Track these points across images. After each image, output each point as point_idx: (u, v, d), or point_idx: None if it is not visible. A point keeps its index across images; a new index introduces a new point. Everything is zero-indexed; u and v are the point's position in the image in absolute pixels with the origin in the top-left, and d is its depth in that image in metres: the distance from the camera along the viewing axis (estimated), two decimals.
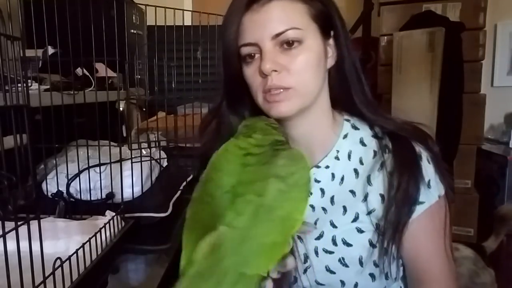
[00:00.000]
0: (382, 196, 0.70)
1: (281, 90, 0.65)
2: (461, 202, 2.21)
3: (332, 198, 0.72)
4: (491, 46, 2.62)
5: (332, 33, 0.70)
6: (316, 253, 0.72)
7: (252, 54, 0.66)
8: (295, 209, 0.45)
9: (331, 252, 0.71)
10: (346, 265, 0.70)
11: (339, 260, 0.70)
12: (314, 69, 0.67)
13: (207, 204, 0.46)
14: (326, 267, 0.71)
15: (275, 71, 0.64)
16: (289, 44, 0.64)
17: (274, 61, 0.64)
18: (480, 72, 2.25)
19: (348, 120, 0.75)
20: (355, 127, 0.75)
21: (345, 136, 0.74)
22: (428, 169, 0.70)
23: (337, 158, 0.73)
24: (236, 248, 0.41)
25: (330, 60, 0.71)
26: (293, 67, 0.65)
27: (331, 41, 0.71)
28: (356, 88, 0.73)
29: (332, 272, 0.71)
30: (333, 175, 0.73)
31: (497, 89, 2.65)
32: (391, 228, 0.68)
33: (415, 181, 0.68)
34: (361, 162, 0.72)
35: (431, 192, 0.69)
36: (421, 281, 0.72)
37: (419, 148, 0.71)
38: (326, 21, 0.68)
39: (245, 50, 0.67)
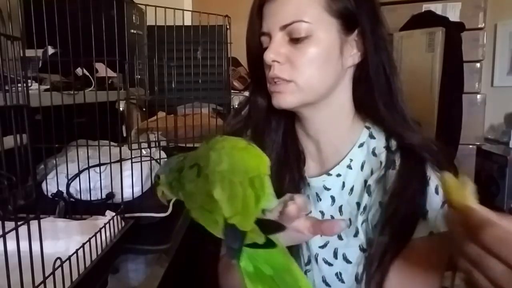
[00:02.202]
0: (377, 211, 0.65)
1: (281, 81, 0.64)
2: None
3: (340, 208, 0.70)
4: (491, 46, 2.62)
5: (357, 30, 0.66)
6: (316, 261, 0.71)
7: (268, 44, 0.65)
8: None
9: (330, 264, 0.69)
10: (342, 281, 0.68)
11: (336, 274, 0.68)
12: (320, 65, 0.63)
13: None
14: (323, 277, 0.70)
15: (278, 62, 0.63)
16: (297, 37, 0.62)
17: (278, 52, 0.63)
18: (480, 72, 2.25)
19: (368, 128, 0.70)
20: (372, 136, 0.70)
21: (361, 145, 0.70)
22: (432, 199, 0.62)
23: (349, 167, 0.69)
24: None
25: (351, 59, 0.67)
26: (297, 61, 0.63)
27: (355, 38, 0.66)
28: (381, 91, 0.66)
29: (328, 285, 0.69)
30: (343, 184, 0.70)
31: (497, 89, 2.64)
32: (378, 256, 0.62)
33: (414, 210, 0.61)
34: (371, 173, 0.68)
35: (425, 226, 0.61)
36: None
37: (431, 174, 0.64)
38: (350, 17, 0.64)
39: (262, 39, 0.66)
